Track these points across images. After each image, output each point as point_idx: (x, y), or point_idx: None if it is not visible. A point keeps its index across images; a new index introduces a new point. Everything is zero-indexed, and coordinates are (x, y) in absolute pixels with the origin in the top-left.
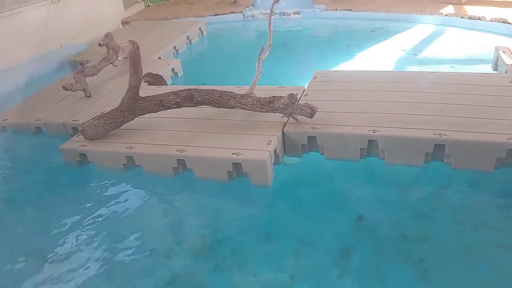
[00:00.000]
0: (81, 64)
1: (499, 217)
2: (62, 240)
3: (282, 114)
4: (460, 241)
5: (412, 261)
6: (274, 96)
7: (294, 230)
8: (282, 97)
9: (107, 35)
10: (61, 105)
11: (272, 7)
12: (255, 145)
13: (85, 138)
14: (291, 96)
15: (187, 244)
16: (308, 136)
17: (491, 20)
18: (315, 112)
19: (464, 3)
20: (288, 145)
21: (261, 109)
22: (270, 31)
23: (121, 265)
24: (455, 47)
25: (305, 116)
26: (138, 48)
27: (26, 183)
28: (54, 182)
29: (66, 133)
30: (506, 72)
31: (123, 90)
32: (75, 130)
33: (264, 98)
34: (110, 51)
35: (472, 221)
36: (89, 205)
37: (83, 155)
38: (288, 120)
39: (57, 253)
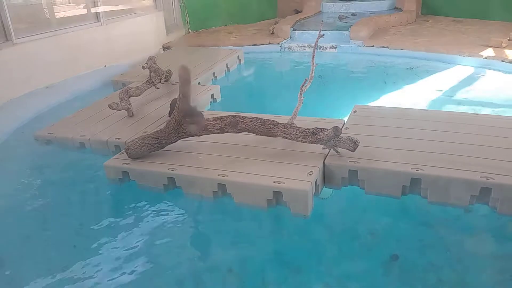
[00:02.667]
0: (123, 84)
1: None
2: (93, 257)
3: (323, 146)
4: None
5: None
6: (317, 128)
7: (326, 265)
8: (326, 129)
9: (150, 58)
10: (105, 123)
11: (317, 41)
12: (297, 174)
13: (128, 157)
14: (336, 129)
15: (215, 273)
16: (349, 170)
17: None
18: (357, 146)
19: (505, 47)
20: (328, 177)
21: (303, 140)
22: (313, 63)
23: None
24: (495, 90)
25: (347, 149)
26: (189, 74)
27: (66, 196)
28: (94, 197)
29: (108, 150)
30: None
31: (164, 112)
32: (117, 148)
33: (308, 129)
34: (152, 74)
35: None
36: (125, 222)
37: (125, 173)
38: (329, 152)
39: (86, 270)
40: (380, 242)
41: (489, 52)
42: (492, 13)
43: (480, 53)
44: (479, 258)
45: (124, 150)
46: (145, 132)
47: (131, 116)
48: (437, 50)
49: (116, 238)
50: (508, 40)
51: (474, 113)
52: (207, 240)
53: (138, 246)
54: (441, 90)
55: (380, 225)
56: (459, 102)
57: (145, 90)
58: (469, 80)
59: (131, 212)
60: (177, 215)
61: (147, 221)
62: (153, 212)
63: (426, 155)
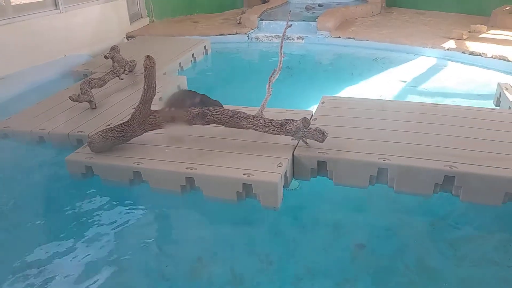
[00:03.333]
0: (85, 75)
1: (502, 253)
2: (57, 253)
3: (292, 137)
4: (461, 274)
5: None
6: (286, 119)
7: (297, 256)
8: (295, 120)
9: (113, 48)
10: (66, 115)
11: (285, 32)
12: (266, 166)
13: (91, 151)
14: (305, 120)
15: (183, 266)
16: (318, 161)
17: (491, 57)
18: (326, 137)
19: (465, 39)
20: (297, 168)
21: (273, 131)
22: (281, 54)
23: (113, 283)
24: (456, 81)
25: (316, 140)
26: (154, 63)
27: (24, 193)
28: (55, 193)
29: (70, 144)
30: (510, 108)
31: (128, 103)
32: (79, 141)
33: (277, 120)
34: (116, 64)
35: (473, 255)
36: (88, 218)
37: (88, 168)
38: (298, 144)
39: (51, 267)
40: (348, 231)
41: (451, 43)
42: (453, 6)
43: (442, 45)
44: (443, 245)
45: (86, 144)
46: (109, 125)
47: (93, 108)
48: (401, 41)
49: (78, 236)
50: (469, 32)
51: (437, 103)
52: (175, 234)
53: (102, 244)
54: (406, 81)
55: (348, 215)
56: (423, 93)
57: (108, 81)
58: (432, 71)
59: (94, 208)
60: (143, 210)
61: (112, 218)
62: (118, 208)
63: (392, 145)
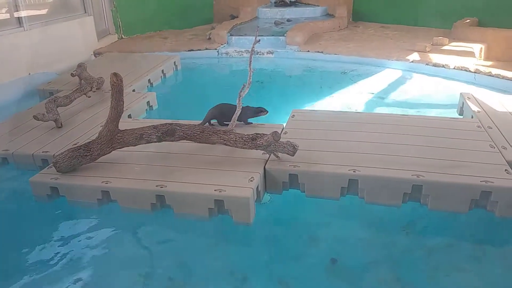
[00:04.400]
0: (51, 93)
1: (471, 260)
2: (18, 277)
3: (263, 151)
4: (433, 285)
5: None
6: (257, 133)
7: (271, 270)
8: (265, 134)
9: (80, 65)
10: (30, 135)
11: (253, 47)
12: (238, 181)
13: (57, 171)
14: (275, 134)
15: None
16: (289, 174)
17: (454, 68)
18: (296, 150)
19: (429, 51)
20: (269, 182)
21: (243, 146)
22: (250, 69)
23: None
24: (421, 92)
25: (287, 154)
26: (121, 81)
27: None
28: (19, 216)
29: (34, 165)
30: (472, 117)
31: (95, 122)
32: (44, 161)
33: (248, 135)
34: (83, 82)
35: (445, 265)
36: (55, 241)
37: (54, 189)
38: (269, 157)
39: None
40: (320, 244)
41: (415, 56)
42: (416, 20)
43: (407, 57)
44: (414, 254)
45: (52, 164)
46: (75, 144)
47: (59, 127)
48: (368, 54)
49: (44, 260)
50: (432, 44)
51: (403, 114)
52: (145, 254)
53: (68, 267)
54: (373, 93)
55: (321, 227)
56: (390, 104)
57: (75, 99)
58: (398, 83)
59: (61, 231)
60: (112, 231)
61: (79, 240)
62: (86, 230)
63: (362, 157)
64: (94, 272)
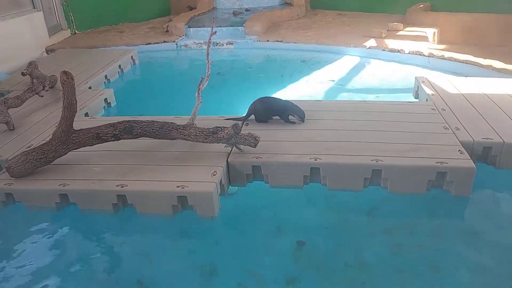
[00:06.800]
0: (1, 94)
1: (431, 237)
2: None
3: (225, 144)
4: (396, 263)
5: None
6: (217, 127)
7: (240, 261)
8: (226, 127)
9: (31, 64)
10: None
11: (210, 38)
12: (200, 176)
13: (11, 176)
14: (235, 127)
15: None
16: (252, 166)
17: (409, 53)
18: (258, 142)
19: (384, 37)
20: (232, 175)
21: (204, 140)
22: (208, 61)
23: None
24: (379, 77)
25: (249, 146)
26: (72, 78)
27: None
28: None
29: None
30: (427, 100)
31: (50, 122)
32: None
33: (208, 128)
34: (35, 81)
35: (407, 243)
36: (12, 252)
37: (9, 195)
38: (231, 150)
39: None
40: (288, 231)
41: (372, 42)
42: (371, 6)
43: (364, 44)
44: (377, 236)
45: (5, 169)
46: (29, 147)
47: (11, 130)
48: (326, 42)
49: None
50: (387, 30)
51: (362, 100)
52: (111, 256)
53: (31, 274)
54: (333, 80)
55: (287, 215)
56: (349, 90)
57: (27, 99)
58: (356, 69)
59: (19, 239)
60: (74, 234)
61: (40, 247)
62: (46, 235)
63: (323, 144)
64: (59, 278)
